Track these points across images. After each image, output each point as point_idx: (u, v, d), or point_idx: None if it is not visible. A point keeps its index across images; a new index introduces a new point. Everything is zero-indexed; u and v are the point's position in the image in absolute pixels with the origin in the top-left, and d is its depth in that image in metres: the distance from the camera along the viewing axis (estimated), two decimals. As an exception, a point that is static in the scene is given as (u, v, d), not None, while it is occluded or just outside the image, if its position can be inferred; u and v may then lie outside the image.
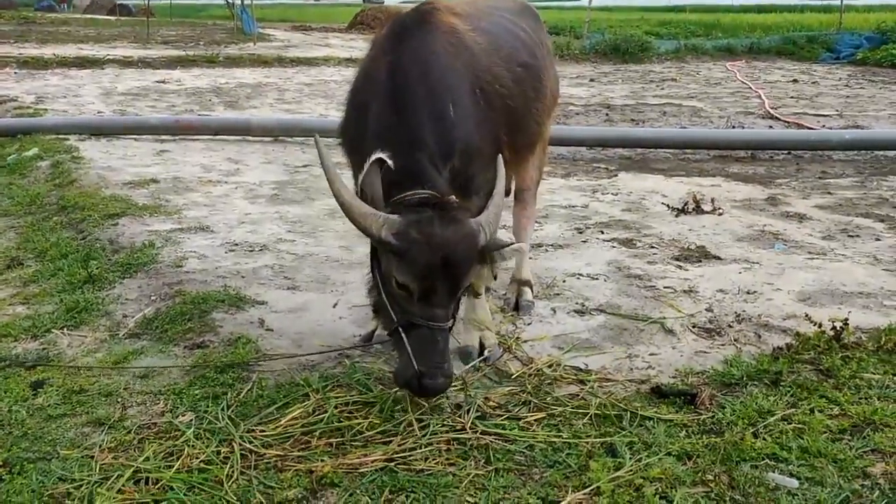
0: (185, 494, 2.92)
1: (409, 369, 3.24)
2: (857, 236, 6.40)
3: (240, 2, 28.77)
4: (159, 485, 2.97)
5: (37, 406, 3.60)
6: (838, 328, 4.08)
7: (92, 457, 3.17)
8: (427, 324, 3.25)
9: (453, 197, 3.38)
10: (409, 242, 3.17)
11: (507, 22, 4.43)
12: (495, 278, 4.66)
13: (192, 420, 3.41)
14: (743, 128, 11.89)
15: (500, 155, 3.68)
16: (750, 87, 16.29)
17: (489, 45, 4.01)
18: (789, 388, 3.66)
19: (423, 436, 3.27)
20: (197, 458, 3.13)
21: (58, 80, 15.57)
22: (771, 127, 12.03)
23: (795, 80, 17.78)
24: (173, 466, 3.07)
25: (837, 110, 13.50)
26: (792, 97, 15.13)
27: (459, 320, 3.80)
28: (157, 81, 15.72)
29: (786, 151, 10.04)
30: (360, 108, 3.75)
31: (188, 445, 3.21)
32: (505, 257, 3.48)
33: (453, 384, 3.44)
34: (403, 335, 3.27)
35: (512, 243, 3.54)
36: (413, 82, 3.58)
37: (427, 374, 3.19)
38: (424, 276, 3.20)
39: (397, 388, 3.54)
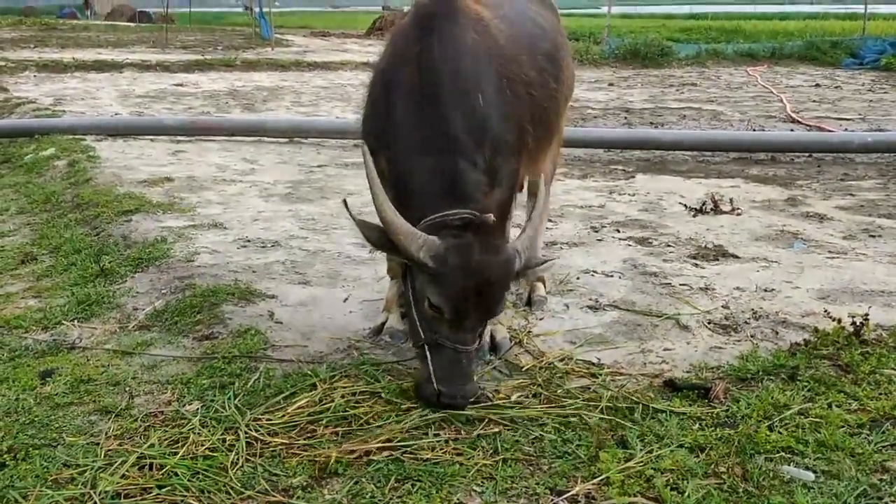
0: (188, 480, 2.88)
1: (428, 386, 3.25)
2: (879, 236, 6.29)
3: (258, 8, 28.96)
4: (164, 471, 2.94)
5: (44, 395, 3.58)
6: (858, 324, 3.99)
7: (97, 443, 3.14)
8: (454, 346, 3.23)
9: (492, 216, 3.32)
10: (446, 267, 3.16)
11: (528, 10, 4.38)
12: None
13: (198, 409, 3.38)
14: (763, 131, 11.77)
15: (545, 179, 3.67)
16: (771, 92, 16.12)
17: (513, 34, 3.95)
18: (806, 383, 3.57)
19: (430, 422, 3.21)
20: (202, 445, 3.10)
21: (76, 83, 15.68)
22: (792, 130, 11.88)
23: (818, 85, 17.57)
24: (178, 453, 3.04)
25: (860, 114, 13.31)
26: (814, 101, 14.95)
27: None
28: (175, 85, 15.79)
29: (807, 154, 9.92)
30: (385, 98, 3.66)
31: (193, 433, 3.17)
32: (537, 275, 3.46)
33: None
34: (428, 353, 3.26)
35: (546, 261, 3.57)
36: (442, 75, 3.49)
37: (445, 395, 3.22)
38: (458, 301, 3.19)
39: (405, 380, 3.50)
